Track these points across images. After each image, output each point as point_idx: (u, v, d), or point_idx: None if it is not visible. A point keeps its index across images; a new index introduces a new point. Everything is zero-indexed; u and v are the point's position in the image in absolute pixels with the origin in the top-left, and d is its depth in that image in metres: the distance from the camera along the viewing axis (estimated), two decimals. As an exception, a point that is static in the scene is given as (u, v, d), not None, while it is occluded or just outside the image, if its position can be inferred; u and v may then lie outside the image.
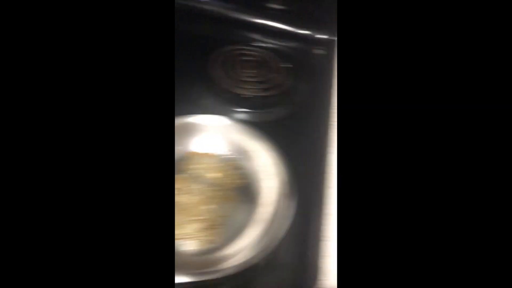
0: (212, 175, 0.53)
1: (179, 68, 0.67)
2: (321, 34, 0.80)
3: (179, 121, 0.54)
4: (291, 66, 0.72)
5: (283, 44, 0.81)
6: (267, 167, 0.53)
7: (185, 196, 0.50)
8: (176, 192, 0.50)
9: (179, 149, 0.54)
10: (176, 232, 0.47)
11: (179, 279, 0.40)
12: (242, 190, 0.52)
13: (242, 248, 0.46)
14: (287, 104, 0.67)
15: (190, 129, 0.55)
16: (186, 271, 0.41)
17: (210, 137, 0.56)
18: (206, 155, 0.55)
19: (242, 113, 0.64)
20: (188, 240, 0.47)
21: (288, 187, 0.49)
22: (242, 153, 0.55)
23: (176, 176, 0.52)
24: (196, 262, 0.45)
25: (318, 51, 0.80)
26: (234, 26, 0.81)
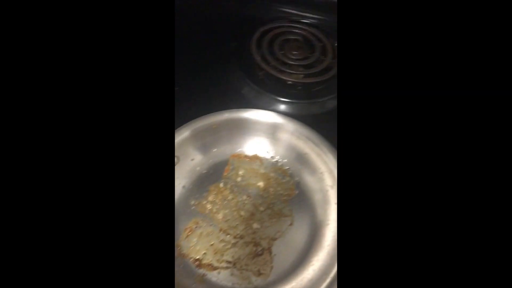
0: (256, 184, 0.42)
1: (217, 52, 0.60)
2: None
3: (217, 118, 0.42)
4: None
5: (331, 19, 0.66)
6: (322, 175, 0.41)
7: (222, 212, 0.39)
8: (208, 206, 0.40)
9: (219, 151, 0.43)
10: (209, 258, 0.36)
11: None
12: (294, 204, 0.40)
13: None
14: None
15: (232, 128, 0.44)
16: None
17: (255, 136, 0.44)
18: (249, 158, 0.44)
19: (286, 103, 0.51)
20: (223, 270, 0.35)
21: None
22: (292, 157, 0.43)
23: (212, 186, 0.41)
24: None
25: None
26: (274, 1, 0.69)
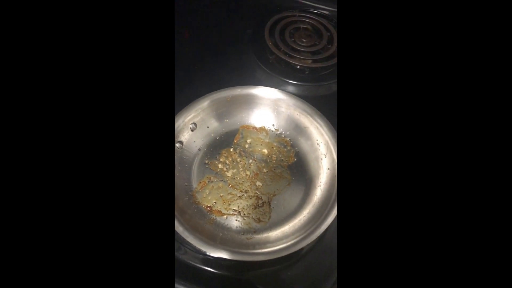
0: (261, 151, 0.49)
1: (233, 36, 0.67)
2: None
3: (232, 92, 0.49)
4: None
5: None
6: (318, 146, 0.47)
7: (231, 171, 0.47)
8: (220, 165, 0.47)
9: (231, 121, 0.51)
10: (219, 206, 0.43)
11: (221, 254, 0.36)
12: (292, 169, 0.47)
13: (288, 233, 0.41)
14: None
15: (243, 101, 0.50)
16: (228, 249, 0.37)
17: (263, 110, 0.51)
18: (256, 129, 0.51)
19: (294, 85, 0.58)
20: (233, 216, 0.43)
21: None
22: (294, 129, 0.50)
23: (224, 150, 0.48)
24: (240, 241, 0.41)
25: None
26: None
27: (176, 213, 0.39)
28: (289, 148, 0.49)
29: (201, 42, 0.65)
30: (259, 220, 0.43)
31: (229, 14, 0.71)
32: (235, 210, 0.43)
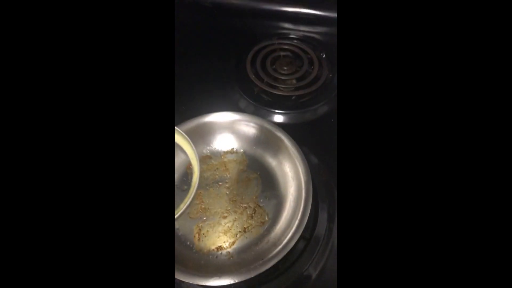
0: (218, 173, 0.52)
1: (216, 69, 0.66)
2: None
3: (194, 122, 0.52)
4: (323, 54, 0.68)
5: (316, 30, 0.73)
6: (283, 160, 0.51)
7: (211, 207, 0.49)
8: (199, 209, 0.48)
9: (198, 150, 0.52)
10: (225, 239, 0.46)
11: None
12: (252, 167, 0.52)
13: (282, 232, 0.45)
14: (327, 100, 0.61)
15: (207, 129, 0.53)
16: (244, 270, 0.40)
17: (226, 134, 0.53)
18: (223, 153, 0.54)
19: (281, 114, 0.60)
20: (239, 239, 0.46)
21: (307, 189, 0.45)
22: (260, 148, 0.53)
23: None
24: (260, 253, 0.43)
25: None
26: (263, 18, 0.76)
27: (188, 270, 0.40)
28: (236, 153, 0.53)
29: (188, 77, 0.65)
30: (262, 223, 0.47)
31: (211, 49, 0.72)
32: (239, 232, 0.46)
